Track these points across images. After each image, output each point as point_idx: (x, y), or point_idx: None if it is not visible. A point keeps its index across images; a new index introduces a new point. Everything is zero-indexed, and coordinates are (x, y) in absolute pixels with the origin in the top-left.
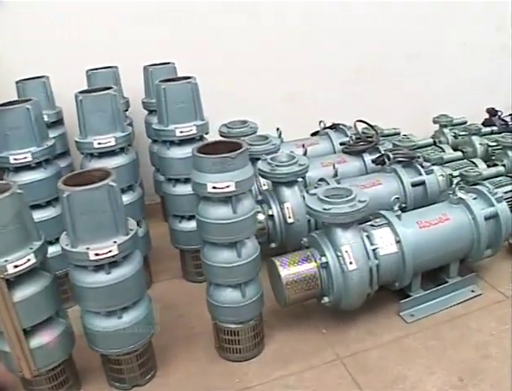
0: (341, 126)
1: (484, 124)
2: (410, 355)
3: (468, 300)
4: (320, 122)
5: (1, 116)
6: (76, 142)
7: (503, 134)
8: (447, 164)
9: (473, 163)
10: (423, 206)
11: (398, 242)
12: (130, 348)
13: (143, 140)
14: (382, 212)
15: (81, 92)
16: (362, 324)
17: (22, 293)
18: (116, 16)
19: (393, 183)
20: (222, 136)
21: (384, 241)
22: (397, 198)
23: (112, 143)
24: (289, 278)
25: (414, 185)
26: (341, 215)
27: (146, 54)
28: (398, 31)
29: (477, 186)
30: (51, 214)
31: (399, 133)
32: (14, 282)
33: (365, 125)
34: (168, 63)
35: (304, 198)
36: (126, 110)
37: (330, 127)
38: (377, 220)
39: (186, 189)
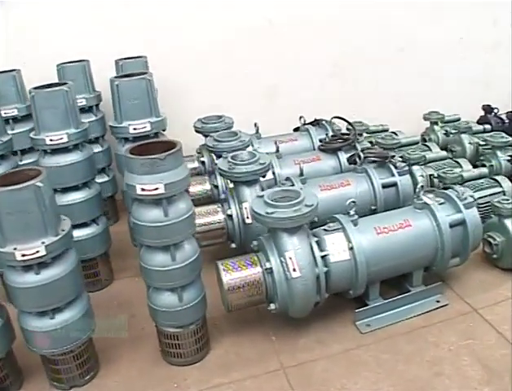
0: (323, 122)
1: (479, 121)
2: (358, 368)
3: (431, 311)
4: (301, 118)
5: None
6: (31, 138)
7: (492, 134)
8: (430, 164)
9: (457, 163)
10: (395, 208)
11: (351, 249)
12: (64, 349)
13: None
14: (337, 216)
15: (36, 88)
16: (314, 332)
17: None
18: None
19: (363, 184)
20: (196, 131)
21: (336, 247)
22: (353, 202)
23: (65, 140)
24: (231, 284)
25: (385, 186)
26: (284, 220)
27: (120, 48)
28: (389, 22)
29: (446, 190)
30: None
31: (386, 130)
32: None
33: (354, 122)
34: (140, 57)
35: None
36: (98, 104)
37: (312, 123)
38: (331, 224)
39: None
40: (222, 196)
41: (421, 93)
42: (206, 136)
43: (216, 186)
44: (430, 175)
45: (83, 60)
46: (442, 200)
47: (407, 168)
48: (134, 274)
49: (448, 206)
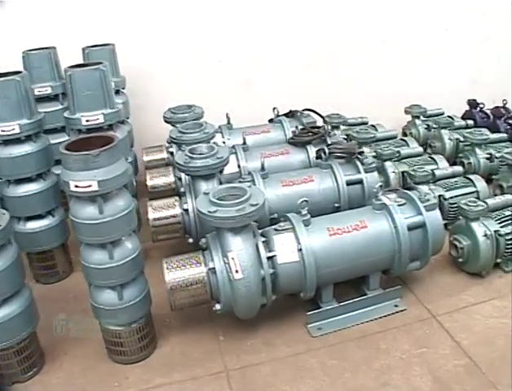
0: (298, 114)
1: (464, 117)
2: (303, 374)
3: (388, 315)
4: (274, 109)
5: None
6: None
7: (472, 130)
8: (405, 160)
9: (433, 160)
10: (361, 207)
11: (300, 250)
12: (3, 344)
13: None
14: (289, 215)
15: None
16: (263, 333)
17: None
18: None
19: (327, 181)
20: (165, 121)
21: (284, 248)
22: (305, 201)
23: (17, 131)
24: (174, 283)
25: (350, 183)
26: (226, 219)
27: (91, 35)
28: (370, 13)
29: (409, 191)
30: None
31: (366, 123)
32: None
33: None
34: (107, 44)
35: None
36: (64, 93)
37: (286, 114)
38: (282, 224)
39: None
40: (182, 189)
41: (404, 86)
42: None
43: (180, 179)
44: (403, 172)
45: (49, 47)
46: (403, 201)
47: (374, 164)
48: None
49: (408, 207)
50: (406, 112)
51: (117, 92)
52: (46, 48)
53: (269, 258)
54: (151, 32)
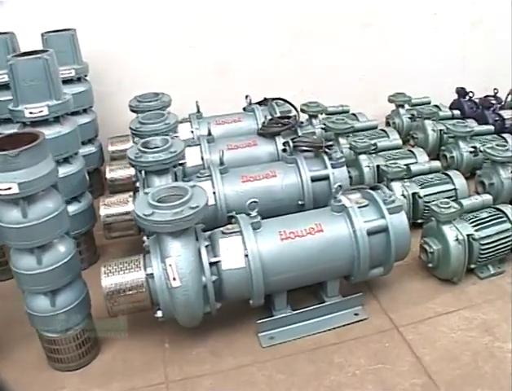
0: (273, 102)
1: (452, 106)
2: (246, 389)
3: (347, 325)
4: (246, 97)
5: None
6: None
7: (455, 121)
8: (382, 154)
9: (412, 153)
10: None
11: (247, 255)
12: None
13: None
14: (238, 216)
15: None
16: (212, 342)
17: None
18: None
19: (290, 176)
20: (131, 110)
21: (230, 253)
22: (254, 201)
23: None
24: (110, 288)
25: (315, 180)
26: (162, 223)
27: (53, 20)
28: None
29: (373, 190)
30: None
31: (347, 112)
32: None
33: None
34: (67, 29)
35: None
36: None
37: (260, 102)
38: (230, 226)
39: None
40: (138, 185)
41: (390, 73)
42: None
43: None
44: (378, 166)
45: (7, 32)
46: (365, 202)
47: (343, 159)
48: None
49: (371, 209)
50: (390, 100)
51: (79, 79)
52: (5, 33)
53: (213, 264)
54: (119, 16)
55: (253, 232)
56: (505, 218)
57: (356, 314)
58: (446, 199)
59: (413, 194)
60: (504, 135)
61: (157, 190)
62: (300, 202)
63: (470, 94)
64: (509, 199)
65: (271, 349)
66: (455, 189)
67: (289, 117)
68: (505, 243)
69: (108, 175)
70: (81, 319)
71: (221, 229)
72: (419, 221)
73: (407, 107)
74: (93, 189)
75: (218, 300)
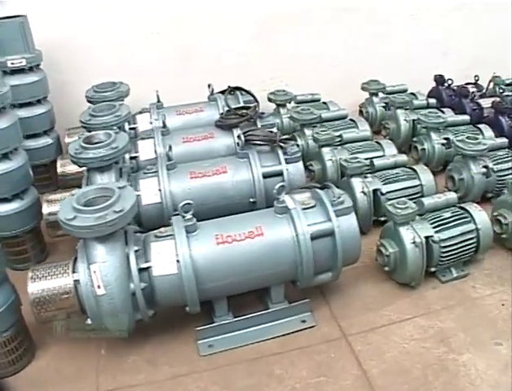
0: (238, 91)
1: (430, 94)
2: None
3: (292, 333)
4: (209, 85)
5: None
6: None
7: (427, 111)
8: (347, 146)
9: (379, 145)
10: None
11: (179, 261)
12: None
13: None
14: (173, 218)
15: None
16: (149, 349)
17: None
18: None
19: (242, 172)
20: (88, 101)
21: (162, 258)
22: (188, 203)
23: None
24: (37, 294)
25: (268, 176)
26: (83, 229)
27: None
28: None
29: (322, 190)
30: None
31: (317, 100)
32: None
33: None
34: (17, 16)
35: None
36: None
37: (224, 91)
38: (163, 230)
39: None
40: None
41: (365, 59)
42: None
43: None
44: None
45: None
46: (312, 203)
47: (299, 154)
48: None
49: (317, 211)
50: (363, 88)
51: (31, 69)
52: None
53: (143, 270)
54: (79, 1)
55: (186, 236)
56: (469, 218)
57: (304, 321)
58: (403, 199)
59: (375, 190)
60: (480, 126)
61: (84, 191)
62: (252, 199)
63: (449, 82)
64: (481, 196)
65: (210, 357)
66: (421, 185)
67: (247, 108)
68: (469, 244)
69: (59, 169)
70: (8, 325)
71: (155, 232)
72: (382, 218)
73: (381, 95)
74: (50, 183)
75: (150, 308)
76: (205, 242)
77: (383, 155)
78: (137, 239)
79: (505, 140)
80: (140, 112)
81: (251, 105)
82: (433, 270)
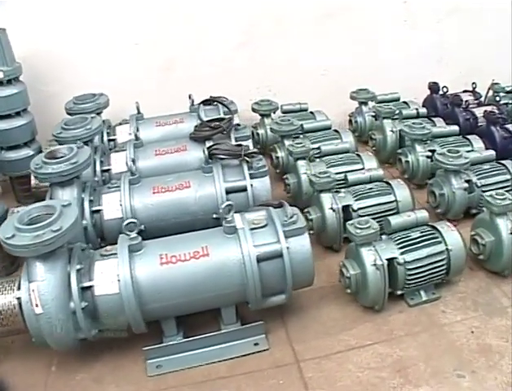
0: (219, 101)
1: (424, 103)
2: None
3: (244, 356)
4: (190, 96)
5: None
6: None
7: (412, 122)
8: (324, 159)
9: (359, 158)
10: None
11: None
12: None
13: None
14: (120, 237)
15: None
16: (99, 367)
17: None
18: None
19: (206, 187)
20: (67, 113)
21: (104, 277)
22: (132, 223)
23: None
24: None
25: (231, 191)
26: (19, 247)
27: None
28: None
29: (274, 210)
30: None
31: (305, 110)
32: None
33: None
34: None
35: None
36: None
37: (205, 101)
38: (109, 248)
39: None
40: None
41: (356, 67)
42: None
43: None
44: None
45: None
46: (263, 223)
47: (265, 168)
48: None
49: (267, 232)
50: (351, 97)
51: (9, 82)
52: None
53: (86, 288)
54: (62, 13)
55: (129, 255)
56: (440, 238)
57: (256, 344)
58: (365, 218)
59: (345, 206)
60: (470, 137)
61: (28, 209)
62: (215, 215)
63: (444, 89)
64: (465, 212)
65: (158, 378)
66: (396, 201)
67: (221, 120)
68: (438, 267)
69: (33, 182)
70: None
71: (101, 250)
72: None
73: (371, 104)
74: (31, 194)
75: (95, 327)
76: (148, 262)
77: (362, 169)
78: (85, 256)
79: (492, 152)
80: (120, 124)
81: (226, 117)
82: (399, 292)
